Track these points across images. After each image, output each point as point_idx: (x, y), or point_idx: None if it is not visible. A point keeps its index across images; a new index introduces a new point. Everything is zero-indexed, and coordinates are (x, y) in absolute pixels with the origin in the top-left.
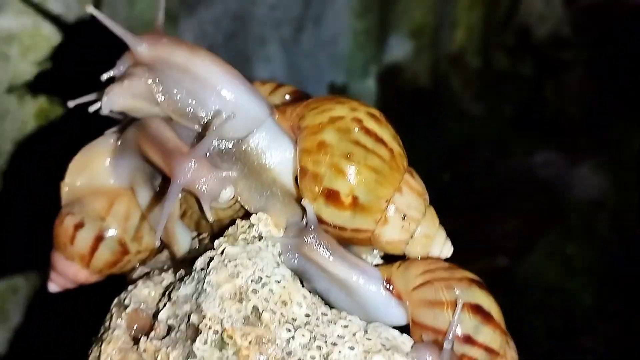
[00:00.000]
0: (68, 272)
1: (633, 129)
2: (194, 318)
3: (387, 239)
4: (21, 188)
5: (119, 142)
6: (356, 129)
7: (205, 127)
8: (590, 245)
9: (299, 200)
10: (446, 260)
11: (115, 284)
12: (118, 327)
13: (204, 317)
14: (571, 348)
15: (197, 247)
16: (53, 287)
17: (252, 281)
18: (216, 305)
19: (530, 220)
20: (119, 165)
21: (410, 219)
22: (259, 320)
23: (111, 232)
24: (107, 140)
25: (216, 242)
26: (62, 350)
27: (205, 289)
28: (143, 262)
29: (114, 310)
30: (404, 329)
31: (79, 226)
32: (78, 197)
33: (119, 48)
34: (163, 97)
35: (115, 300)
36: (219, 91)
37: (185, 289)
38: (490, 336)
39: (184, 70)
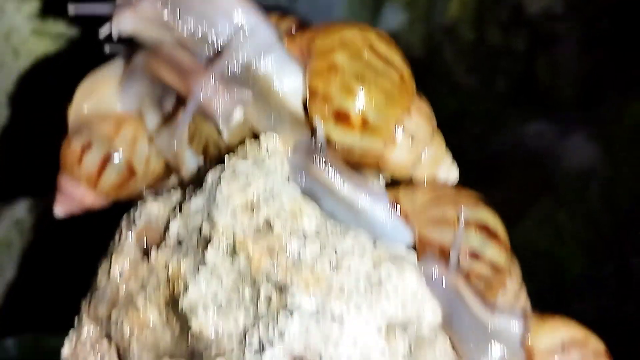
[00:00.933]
0: (75, 194)
1: (626, 102)
2: (205, 228)
3: (395, 161)
4: (15, 140)
5: (127, 68)
6: (367, 51)
7: (217, 50)
8: (580, 214)
9: (307, 124)
10: None
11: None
12: (128, 240)
13: (215, 226)
14: (561, 313)
15: (205, 173)
16: (59, 209)
17: (263, 193)
18: (227, 215)
19: (521, 190)
20: (126, 90)
21: (418, 141)
22: (270, 230)
23: (119, 154)
24: (115, 67)
25: (226, 157)
26: (57, 304)
27: (217, 200)
28: (150, 188)
29: (123, 225)
30: None
31: (86, 147)
32: (85, 122)
33: None
34: (173, 20)
35: (124, 216)
36: (231, 13)
37: (196, 201)
38: (496, 253)
39: None
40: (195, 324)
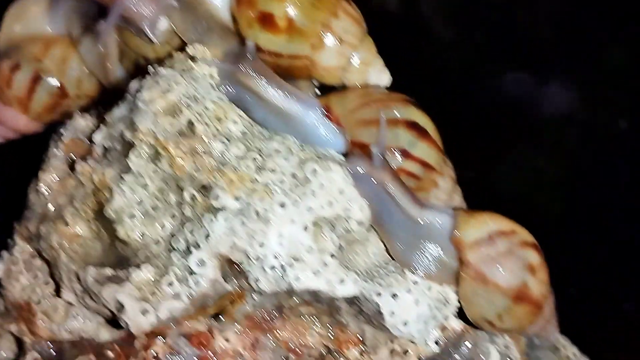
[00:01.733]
0: (7, 118)
1: (605, 47)
2: (127, 134)
3: (324, 65)
4: None
5: None
6: None
7: None
8: (559, 159)
9: (235, 33)
10: None
11: None
12: (55, 156)
13: (137, 131)
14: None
15: None
16: None
17: (185, 97)
18: (149, 119)
19: (501, 135)
20: (55, 11)
21: (346, 44)
22: (193, 133)
23: (48, 74)
24: None
25: (149, 67)
26: None
27: (138, 106)
28: (84, 110)
29: (51, 143)
30: None
31: (15, 68)
32: (15, 45)
33: None
34: None
35: (53, 135)
36: None
37: (119, 110)
38: (426, 151)
39: None
40: (121, 231)
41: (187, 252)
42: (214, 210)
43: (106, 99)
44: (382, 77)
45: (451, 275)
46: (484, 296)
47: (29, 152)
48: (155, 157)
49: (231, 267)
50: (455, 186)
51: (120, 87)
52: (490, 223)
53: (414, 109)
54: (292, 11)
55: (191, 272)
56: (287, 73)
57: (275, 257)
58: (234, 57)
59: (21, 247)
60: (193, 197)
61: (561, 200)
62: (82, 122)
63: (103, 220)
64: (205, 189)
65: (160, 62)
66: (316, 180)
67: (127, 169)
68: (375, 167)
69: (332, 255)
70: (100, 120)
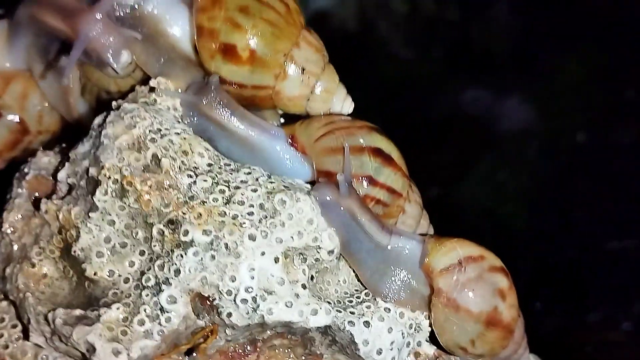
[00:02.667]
0: None
1: (560, 60)
2: (92, 171)
3: (288, 95)
4: None
5: (12, 24)
6: None
7: None
8: (521, 172)
9: (198, 65)
10: None
11: None
12: (19, 195)
13: (102, 168)
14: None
15: None
16: None
17: (150, 131)
18: (114, 155)
19: (462, 151)
20: (13, 46)
21: (309, 73)
22: (159, 167)
23: (8, 110)
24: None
25: (113, 102)
26: None
27: (103, 142)
28: (46, 147)
29: (14, 181)
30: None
31: None
32: None
33: None
34: None
35: (17, 173)
36: None
37: (83, 146)
38: (391, 177)
39: None
40: (90, 270)
41: (158, 289)
42: (184, 245)
43: (68, 134)
44: (345, 104)
45: (422, 301)
46: (456, 323)
47: None
48: (122, 193)
49: (202, 302)
50: (421, 211)
51: (83, 122)
52: (459, 249)
53: (377, 136)
54: (253, 42)
55: (162, 310)
56: (251, 103)
57: (247, 291)
58: (197, 89)
59: None
60: (162, 233)
61: (524, 212)
62: (45, 159)
63: (70, 260)
64: (173, 224)
65: (124, 95)
66: (285, 211)
67: (94, 207)
68: (342, 195)
69: (304, 286)
70: (64, 157)
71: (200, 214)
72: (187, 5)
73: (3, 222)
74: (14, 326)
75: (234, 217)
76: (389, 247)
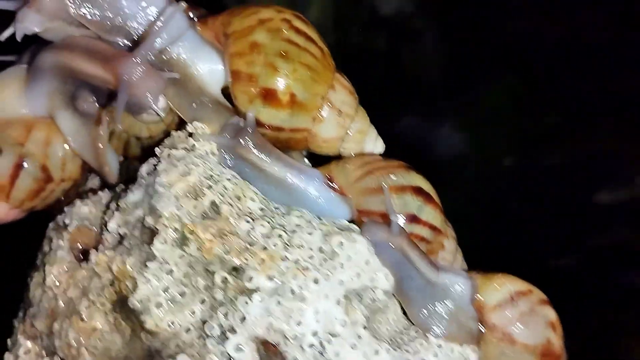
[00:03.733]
0: None
1: (485, 88)
2: (149, 220)
3: (324, 136)
4: None
5: (31, 70)
6: (286, 29)
7: (133, 39)
8: (457, 198)
9: (229, 108)
10: None
11: None
12: (60, 248)
13: (160, 217)
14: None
15: (127, 172)
16: None
17: (205, 178)
18: (172, 204)
19: None
20: (32, 93)
21: (345, 115)
22: (218, 214)
23: (32, 158)
24: (15, 71)
25: (157, 149)
26: None
27: (158, 190)
28: (66, 195)
29: (52, 234)
30: None
31: None
32: None
33: None
34: (83, 14)
35: (51, 225)
36: (144, 3)
37: (134, 195)
38: (433, 215)
39: None
40: (149, 322)
41: (223, 337)
42: (249, 292)
43: (86, 181)
44: (377, 145)
45: (469, 336)
46: (512, 356)
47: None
48: (182, 242)
49: (267, 349)
50: (457, 246)
51: (111, 169)
52: (508, 284)
53: (415, 174)
54: (294, 86)
55: (230, 359)
56: (285, 145)
57: (313, 335)
58: (233, 131)
59: (26, 347)
60: (225, 280)
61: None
62: (85, 209)
63: (124, 312)
64: (236, 271)
65: (159, 141)
66: (343, 253)
67: (151, 256)
68: (394, 234)
69: (364, 327)
70: (108, 205)
71: (263, 260)
72: (213, 49)
73: (46, 276)
74: None
75: (296, 262)
76: (438, 284)
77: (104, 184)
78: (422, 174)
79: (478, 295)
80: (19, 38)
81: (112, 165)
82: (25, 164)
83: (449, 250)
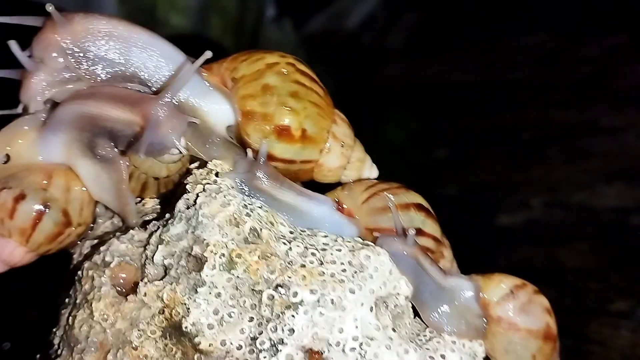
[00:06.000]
0: (2, 252)
1: (381, 125)
2: (196, 249)
3: (329, 166)
4: None
5: (48, 121)
6: (292, 71)
7: (148, 85)
8: None
9: (236, 144)
10: None
11: None
12: (103, 284)
13: (207, 245)
14: None
15: (143, 211)
16: None
17: (242, 207)
18: (217, 232)
19: None
20: (48, 142)
21: (347, 146)
22: (259, 238)
23: (55, 203)
24: (29, 120)
25: (188, 186)
26: None
27: (202, 221)
28: (80, 238)
29: (89, 272)
30: None
31: (19, 198)
32: (7, 175)
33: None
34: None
35: (87, 264)
36: (153, 52)
37: (175, 229)
38: (434, 227)
39: (111, 37)
40: (204, 343)
41: (275, 350)
42: (294, 306)
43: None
44: (372, 171)
45: (475, 332)
46: (519, 342)
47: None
48: (230, 266)
49: (312, 357)
50: (452, 255)
51: (130, 210)
52: (505, 281)
53: (413, 193)
54: (305, 122)
55: None
56: (294, 176)
57: (354, 340)
58: (245, 165)
59: None
60: (271, 297)
61: None
62: (123, 246)
63: (176, 336)
64: (282, 287)
65: (181, 178)
66: (371, 265)
67: (199, 282)
68: (409, 244)
69: (394, 330)
70: (147, 240)
71: (304, 276)
72: (220, 93)
73: (93, 312)
74: None
75: (332, 275)
76: (446, 287)
77: (127, 226)
78: None
79: (482, 294)
80: (33, 110)
81: (132, 207)
82: (48, 208)
83: (448, 258)
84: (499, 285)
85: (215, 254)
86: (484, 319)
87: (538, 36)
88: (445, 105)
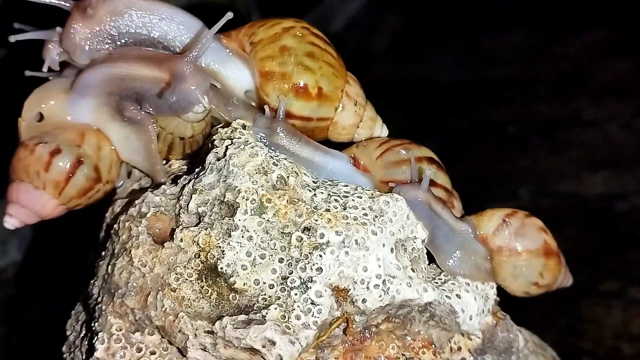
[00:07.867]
0: (35, 203)
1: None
2: (229, 196)
3: (343, 124)
4: None
5: (75, 85)
6: (308, 34)
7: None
8: None
9: (254, 107)
10: None
11: None
12: (141, 233)
13: (239, 192)
14: None
15: (170, 171)
16: (12, 222)
17: (269, 157)
18: (247, 179)
19: None
20: (78, 106)
21: (359, 105)
22: (286, 185)
23: (89, 159)
24: (60, 82)
25: (216, 142)
26: None
27: (232, 170)
28: (107, 194)
29: (127, 224)
30: None
31: (55, 153)
32: (41, 132)
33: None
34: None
35: (123, 217)
36: (174, 19)
37: (207, 179)
38: (444, 179)
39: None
40: (238, 282)
41: (305, 287)
42: (321, 247)
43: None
44: (383, 129)
45: (485, 274)
46: (524, 264)
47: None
48: (261, 210)
49: (338, 294)
50: (461, 205)
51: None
52: (496, 213)
53: (424, 148)
54: (321, 81)
55: (313, 303)
56: (311, 134)
57: (377, 277)
58: (265, 122)
59: (118, 324)
60: (300, 239)
61: None
62: (157, 198)
63: (211, 278)
64: (309, 230)
65: (206, 137)
66: (390, 210)
67: (232, 227)
68: (423, 189)
69: (413, 270)
70: (180, 190)
71: (330, 219)
72: (238, 58)
73: (132, 258)
74: (153, 353)
75: (355, 219)
76: (460, 231)
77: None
78: None
79: (478, 231)
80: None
81: (161, 165)
82: (82, 163)
83: (458, 208)
84: (492, 218)
85: (247, 199)
86: (489, 257)
87: (519, 34)
88: (432, 104)
